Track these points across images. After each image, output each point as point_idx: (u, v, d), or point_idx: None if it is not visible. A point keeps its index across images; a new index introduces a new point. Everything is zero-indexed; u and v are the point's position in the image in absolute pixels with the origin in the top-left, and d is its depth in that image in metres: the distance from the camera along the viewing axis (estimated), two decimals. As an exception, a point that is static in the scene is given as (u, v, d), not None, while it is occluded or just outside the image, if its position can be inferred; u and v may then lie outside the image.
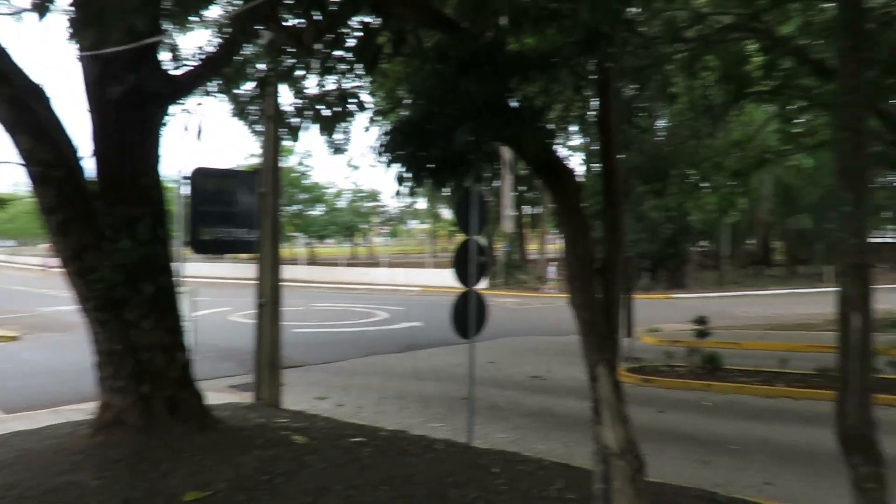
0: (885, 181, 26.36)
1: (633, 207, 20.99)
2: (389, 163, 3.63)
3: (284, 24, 4.53)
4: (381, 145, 3.66)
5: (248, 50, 5.78)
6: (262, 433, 6.03)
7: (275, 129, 7.74)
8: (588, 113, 11.84)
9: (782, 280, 31.42)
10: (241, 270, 32.31)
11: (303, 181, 40.06)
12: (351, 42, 4.31)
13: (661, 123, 18.20)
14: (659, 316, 17.66)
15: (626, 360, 11.11)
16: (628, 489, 3.66)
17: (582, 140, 23.87)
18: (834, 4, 9.98)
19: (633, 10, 8.64)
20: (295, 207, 39.45)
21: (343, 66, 4.90)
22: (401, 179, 3.58)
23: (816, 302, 18.89)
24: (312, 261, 43.83)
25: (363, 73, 5.39)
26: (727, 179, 16.49)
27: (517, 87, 3.58)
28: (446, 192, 3.93)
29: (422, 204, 43.60)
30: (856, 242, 2.95)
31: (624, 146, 12.10)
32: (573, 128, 17.00)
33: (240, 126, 7.84)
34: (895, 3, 10.87)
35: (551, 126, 7.33)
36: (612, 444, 3.72)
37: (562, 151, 28.12)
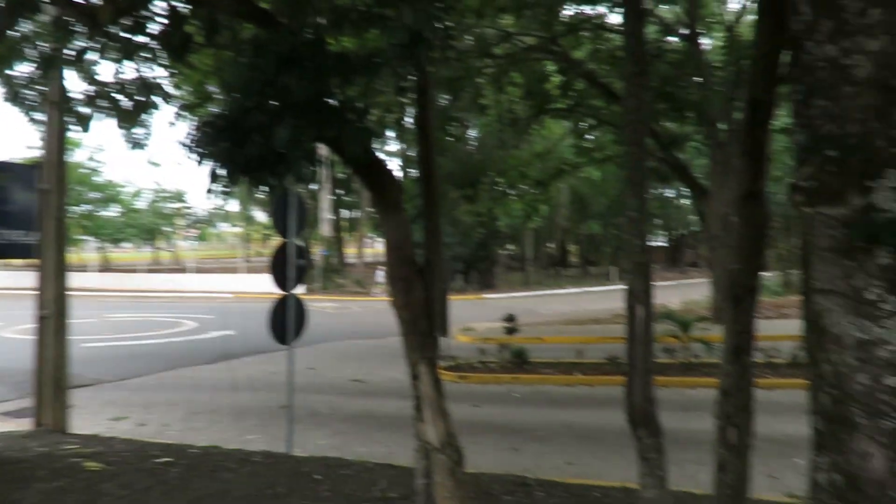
0: (656, 193, 30.45)
1: (446, 212, 21.91)
2: (201, 159, 3.39)
3: (74, -1, 4.03)
4: (193, 140, 3.41)
5: (26, 25, 5.04)
6: (45, 463, 5.29)
7: (59, 117, 6.85)
8: (405, 119, 12.13)
9: (577, 279, 34.79)
10: (15, 279, 28.07)
11: (94, 178, 35.91)
12: (155, 27, 3.96)
13: (472, 133, 19.22)
14: (472, 315, 18.56)
15: (442, 359, 11.52)
16: (449, 482, 3.80)
17: (399, 146, 24.36)
18: (618, 35, 11.35)
19: (448, 23, 9.01)
20: (84, 207, 35.23)
21: (145, 54, 4.48)
22: (215, 177, 3.37)
23: (605, 298, 21.19)
24: (106, 267, 39.44)
25: (169, 62, 4.98)
26: (531, 188, 17.92)
27: (339, 87, 3.55)
28: (263, 191, 3.78)
29: (234, 206, 41.40)
30: (639, 243, 3.36)
31: (439, 152, 12.58)
32: (390, 133, 17.29)
33: (16, 112, 6.79)
34: (663, 40, 12.61)
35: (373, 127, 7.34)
36: (434, 439, 3.83)
37: (379, 156, 28.32)
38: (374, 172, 3.89)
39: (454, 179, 16.13)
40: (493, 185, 17.91)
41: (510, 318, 11.45)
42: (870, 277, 1.82)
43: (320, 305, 22.91)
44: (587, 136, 16.58)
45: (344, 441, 7.11)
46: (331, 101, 3.44)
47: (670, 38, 13.09)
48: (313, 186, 29.72)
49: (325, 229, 31.41)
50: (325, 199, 30.45)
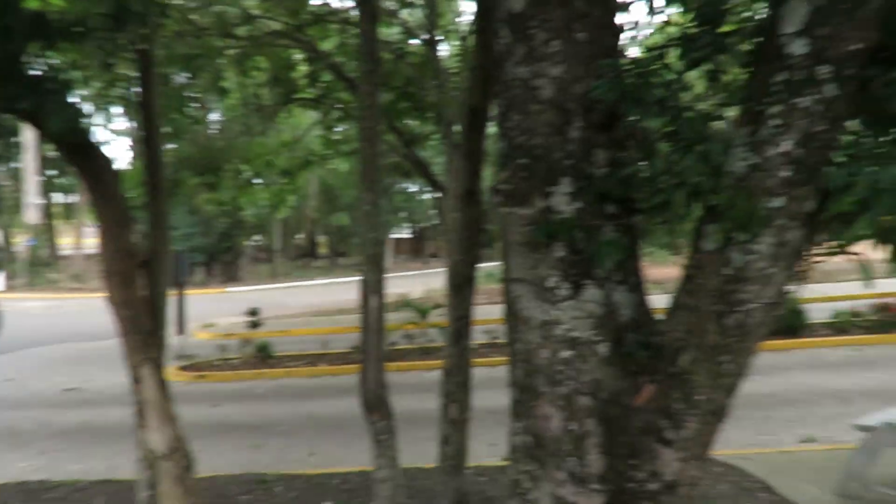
0: (400, 187, 31.98)
1: (186, 200, 20.26)
2: None
3: None
4: None
5: None
6: None
7: None
8: (133, 95, 10.89)
9: (327, 271, 34.90)
10: None
11: None
12: None
13: (215, 116, 18.02)
14: (214, 310, 17.51)
15: (178, 358, 10.69)
16: (176, 490, 3.55)
17: (129, 124, 21.81)
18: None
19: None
20: None
21: None
22: None
23: (353, 289, 21.61)
24: None
25: None
26: (278, 177, 17.41)
27: (39, 53, 3.06)
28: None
29: None
30: (373, 236, 3.51)
31: (175, 135, 11.57)
32: (117, 109, 15.41)
33: None
34: (405, 42, 13.25)
35: (85, 103, 6.54)
36: (159, 446, 3.55)
37: (105, 134, 25.04)
38: (85, 155, 3.44)
39: (194, 165, 15.00)
40: (238, 173, 17.04)
41: (254, 312, 11.08)
42: (549, 268, 2.16)
43: (25, 305, 19.54)
44: (335, 128, 16.67)
45: (53, 460, 6.19)
46: (27, 68, 2.96)
47: (413, 41, 13.76)
48: (13, 165, 25.17)
49: (32, 216, 26.79)
50: (32, 181, 25.96)
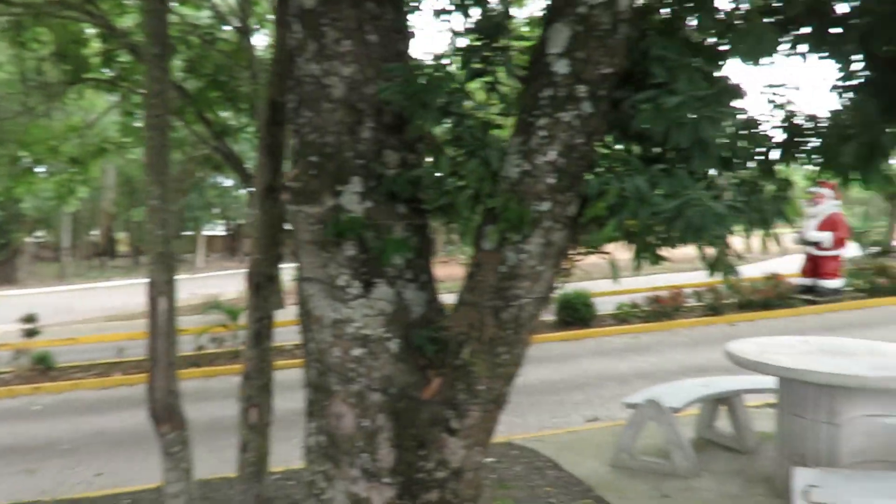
0: (214, 182, 30.11)
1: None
2: None
3: None
4: None
5: None
6: None
7: None
8: None
9: (127, 270, 31.74)
10: None
11: None
12: None
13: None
14: (-19, 317, 15.11)
15: (-71, 376, 9.10)
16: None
17: None
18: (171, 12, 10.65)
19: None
20: None
21: None
22: None
23: (157, 290, 19.83)
24: None
25: None
26: (66, 165, 15.48)
27: None
28: None
29: None
30: (162, 233, 3.25)
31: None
32: None
33: None
34: (216, 27, 12.50)
35: None
36: None
37: None
38: None
39: (-45, 147, 12.86)
40: (15, 160, 14.91)
41: (30, 318, 9.75)
42: (340, 266, 2.17)
43: None
44: (135, 114, 15.21)
45: None
46: None
47: (226, 28, 13.02)
48: None
49: None
50: None
